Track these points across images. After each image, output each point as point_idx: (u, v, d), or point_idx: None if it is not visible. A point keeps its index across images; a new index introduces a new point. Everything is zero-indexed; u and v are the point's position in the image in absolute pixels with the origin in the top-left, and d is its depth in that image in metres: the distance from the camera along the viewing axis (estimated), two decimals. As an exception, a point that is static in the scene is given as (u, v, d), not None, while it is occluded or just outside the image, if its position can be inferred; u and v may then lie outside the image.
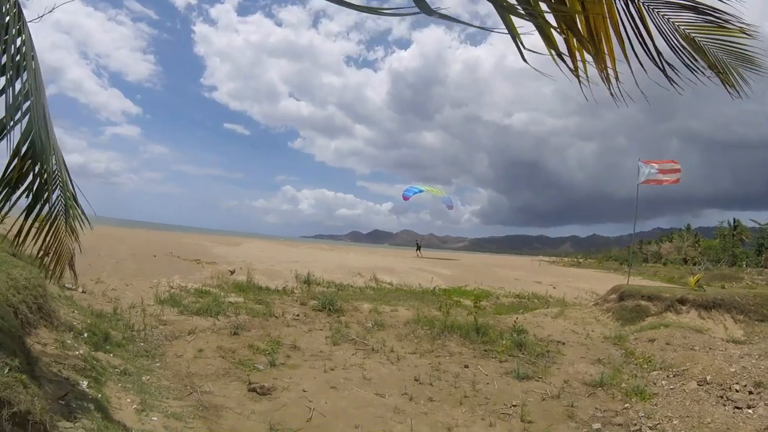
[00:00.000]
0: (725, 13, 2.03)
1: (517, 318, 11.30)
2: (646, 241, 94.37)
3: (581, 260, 76.16)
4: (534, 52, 1.77)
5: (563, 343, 9.81)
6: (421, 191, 44.46)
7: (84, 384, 4.80)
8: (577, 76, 2.01)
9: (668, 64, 2.17)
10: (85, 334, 6.66)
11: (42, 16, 3.94)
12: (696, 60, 2.22)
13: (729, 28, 2.10)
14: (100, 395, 4.76)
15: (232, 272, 15.56)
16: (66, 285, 9.22)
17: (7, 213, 3.46)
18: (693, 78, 2.22)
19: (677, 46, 2.20)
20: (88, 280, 10.55)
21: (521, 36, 1.79)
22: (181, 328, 8.49)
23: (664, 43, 2.18)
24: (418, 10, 1.57)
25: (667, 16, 2.13)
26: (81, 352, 5.86)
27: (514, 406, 6.53)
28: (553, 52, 1.92)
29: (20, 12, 3.35)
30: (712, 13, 2.05)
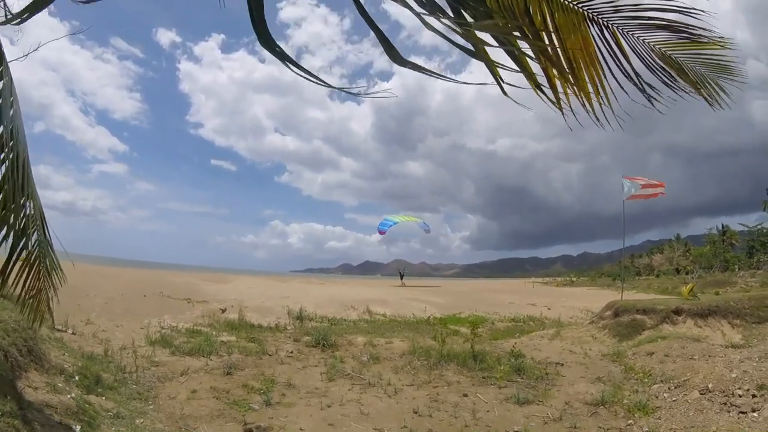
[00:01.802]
0: (697, 27, 2.08)
1: (515, 343, 11.23)
2: (637, 255, 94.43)
3: (574, 279, 76.27)
4: (514, 86, 1.82)
5: (562, 364, 9.75)
6: (395, 223, 45.21)
7: (77, 428, 4.69)
8: (559, 107, 2.05)
9: (647, 84, 2.23)
10: (77, 377, 6.51)
11: (27, 55, 3.96)
12: (673, 77, 2.27)
13: (703, 42, 2.15)
14: (93, 440, 4.65)
15: (224, 310, 15.42)
16: (56, 327, 9.07)
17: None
18: (672, 95, 2.26)
19: (654, 66, 2.24)
20: (77, 321, 10.40)
21: (499, 70, 1.83)
22: (174, 369, 8.33)
23: (641, 64, 2.23)
24: (394, 95, 1.61)
25: (642, 38, 2.17)
26: (73, 395, 5.72)
27: (516, 431, 6.45)
28: (533, 85, 1.96)
29: (2, 54, 3.34)
30: (686, 30, 2.09)
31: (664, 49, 2.22)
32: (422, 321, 16.90)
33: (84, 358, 7.76)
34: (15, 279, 3.97)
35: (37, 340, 6.47)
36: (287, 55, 1.53)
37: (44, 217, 4.00)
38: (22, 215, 3.49)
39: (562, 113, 2.06)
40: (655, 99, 2.23)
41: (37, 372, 5.85)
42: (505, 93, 1.86)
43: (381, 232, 44.64)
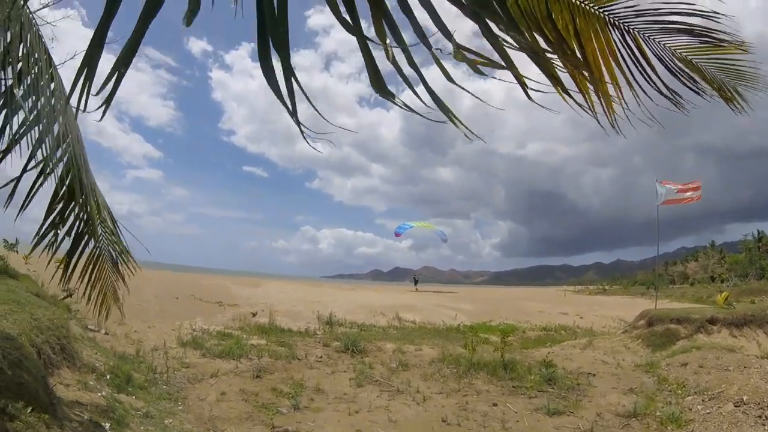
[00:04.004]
0: (719, 32, 2.04)
1: (549, 353, 10.99)
2: (671, 262, 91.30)
3: (607, 287, 74.29)
4: (540, 91, 1.75)
5: (593, 375, 9.49)
6: (411, 227, 47.67)
7: (106, 426, 4.74)
8: (593, 110, 2.01)
9: (671, 90, 2.20)
10: (108, 376, 6.62)
11: (64, 63, 4.06)
12: (697, 82, 2.23)
13: (724, 47, 2.11)
14: (122, 438, 4.68)
15: (254, 314, 15.56)
16: (89, 326, 9.26)
17: (43, 250, 3.53)
18: (696, 99, 2.23)
19: (676, 70, 2.21)
20: (110, 321, 10.56)
21: (524, 75, 1.78)
22: (204, 371, 8.42)
23: (664, 69, 2.20)
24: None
25: (663, 42, 2.14)
26: (103, 393, 5.82)
27: (546, 442, 6.26)
28: (560, 89, 1.91)
29: (50, 58, 3.45)
30: (707, 34, 2.05)
31: (685, 54, 2.19)
32: (452, 328, 16.76)
33: (116, 357, 7.90)
34: (81, 273, 4.06)
35: (70, 339, 6.60)
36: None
37: (110, 211, 4.08)
38: (83, 211, 3.57)
39: (596, 114, 2.02)
40: (678, 104, 2.20)
41: (69, 370, 5.96)
42: (530, 98, 1.82)
43: (397, 234, 46.82)
